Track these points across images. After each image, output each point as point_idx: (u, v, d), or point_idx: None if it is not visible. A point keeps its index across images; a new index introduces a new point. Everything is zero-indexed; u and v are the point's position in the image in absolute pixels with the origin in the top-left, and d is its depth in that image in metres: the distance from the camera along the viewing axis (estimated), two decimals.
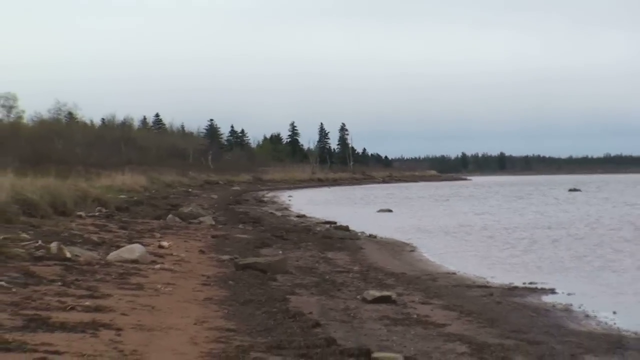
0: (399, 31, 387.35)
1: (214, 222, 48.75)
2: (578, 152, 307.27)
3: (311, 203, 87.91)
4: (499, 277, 31.09)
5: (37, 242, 28.63)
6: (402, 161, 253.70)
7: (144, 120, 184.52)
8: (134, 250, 28.41)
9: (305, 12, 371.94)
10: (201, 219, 49.79)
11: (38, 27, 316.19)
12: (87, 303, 18.94)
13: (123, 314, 18.06)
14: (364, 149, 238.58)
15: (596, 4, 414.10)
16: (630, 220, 63.00)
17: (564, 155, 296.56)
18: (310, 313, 20.13)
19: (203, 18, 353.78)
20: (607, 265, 35.82)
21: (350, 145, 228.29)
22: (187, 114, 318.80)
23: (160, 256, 29.61)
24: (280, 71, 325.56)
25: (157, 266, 26.96)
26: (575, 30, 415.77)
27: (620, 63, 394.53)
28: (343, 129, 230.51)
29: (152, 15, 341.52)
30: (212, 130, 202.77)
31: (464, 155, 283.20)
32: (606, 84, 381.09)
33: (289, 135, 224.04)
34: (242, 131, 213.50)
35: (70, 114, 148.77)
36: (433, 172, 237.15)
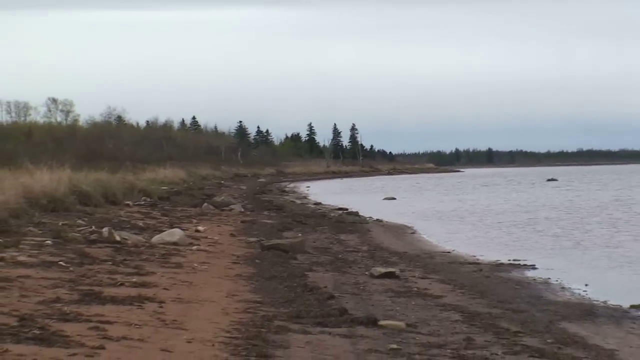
0: (402, 45, 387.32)
1: (242, 210, 48.71)
2: (555, 147, 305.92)
3: (326, 192, 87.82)
4: (487, 255, 31.08)
5: (91, 228, 28.65)
6: (404, 156, 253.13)
7: (182, 122, 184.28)
8: (174, 234, 28.42)
9: (322, 30, 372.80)
10: (232, 206, 49.73)
11: (93, 43, 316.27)
12: (133, 280, 18.96)
13: (165, 289, 18.08)
14: (371, 146, 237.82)
15: (571, 24, 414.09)
16: (599, 205, 62.96)
17: (542, 150, 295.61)
18: (326, 287, 20.12)
19: (237, 34, 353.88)
20: (580, 244, 35.82)
21: (359, 143, 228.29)
22: (219, 116, 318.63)
23: (197, 239, 29.61)
24: (300, 79, 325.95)
25: (194, 247, 26.96)
26: (552, 44, 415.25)
27: (589, 71, 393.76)
28: (353, 129, 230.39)
29: (193, 32, 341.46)
30: (241, 130, 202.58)
31: (457, 150, 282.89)
32: (578, 90, 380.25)
33: (307, 134, 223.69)
34: (267, 131, 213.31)
35: (119, 117, 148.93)
36: (430, 165, 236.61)
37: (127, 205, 42.99)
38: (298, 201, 68.65)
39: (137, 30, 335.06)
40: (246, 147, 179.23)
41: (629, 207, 60.81)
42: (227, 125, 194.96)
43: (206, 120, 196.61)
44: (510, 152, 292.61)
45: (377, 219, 48.15)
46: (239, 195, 66.75)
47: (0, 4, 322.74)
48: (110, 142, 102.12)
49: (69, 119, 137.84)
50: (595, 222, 47.72)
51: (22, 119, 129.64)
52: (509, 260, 29.37)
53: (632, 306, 20.37)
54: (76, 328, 13.14)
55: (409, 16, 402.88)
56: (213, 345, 12.91)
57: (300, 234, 34.19)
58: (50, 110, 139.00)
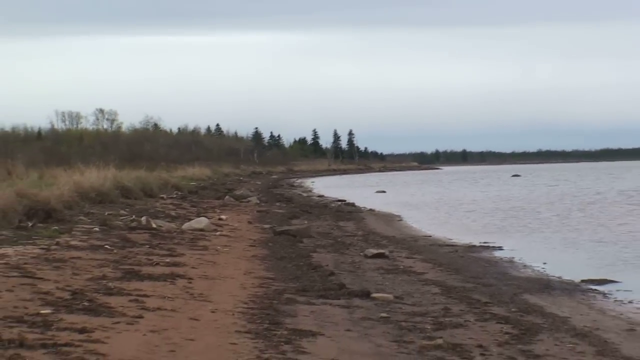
0: (391, 63, 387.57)
1: (258, 201, 48.70)
2: (518, 148, 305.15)
3: (328, 187, 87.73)
4: (461, 238, 31.03)
5: (132, 217, 28.65)
6: (393, 156, 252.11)
7: (208, 128, 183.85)
8: (201, 222, 28.43)
9: (325, 51, 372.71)
10: (249, 199, 49.71)
11: (134, 62, 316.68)
12: (167, 260, 18.97)
13: (193, 267, 18.09)
14: (366, 148, 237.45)
15: (533, 45, 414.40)
16: (556, 196, 62.93)
17: (508, 150, 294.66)
18: (327, 265, 20.13)
19: (254, 55, 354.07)
20: (540, 229, 35.79)
21: (355, 145, 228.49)
22: (239, 123, 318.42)
23: (220, 226, 29.62)
24: (306, 92, 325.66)
25: (217, 233, 26.98)
26: (517, 62, 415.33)
27: (547, 85, 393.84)
28: (350, 133, 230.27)
29: (217, 53, 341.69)
30: (257, 135, 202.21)
31: (437, 151, 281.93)
32: (538, 100, 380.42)
33: (312, 138, 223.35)
34: (279, 136, 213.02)
35: (155, 124, 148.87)
36: (415, 164, 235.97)
37: (162, 198, 43.01)
38: (304, 194, 68.60)
39: (171, 52, 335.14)
40: (261, 149, 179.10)
41: (579, 197, 60.81)
42: (245, 130, 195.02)
43: (228, 127, 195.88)
44: (481, 152, 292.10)
45: (370, 209, 48.09)
46: (255, 190, 66.71)
47: (59, 31, 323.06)
48: (148, 146, 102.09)
49: (113, 126, 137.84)
50: (552, 211, 47.69)
51: (75, 126, 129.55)
52: (480, 242, 29.34)
53: (582, 280, 20.36)
54: (119, 301, 13.16)
55: (398, 39, 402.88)
56: (233, 314, 12.93)
57: (306, 222, 34.18)
58: (98, 119, 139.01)
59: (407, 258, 23.47)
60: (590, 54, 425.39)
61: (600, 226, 36.52)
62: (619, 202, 54.22)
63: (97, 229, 24.68)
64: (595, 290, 19.17)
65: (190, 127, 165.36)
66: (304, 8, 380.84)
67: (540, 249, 27.78)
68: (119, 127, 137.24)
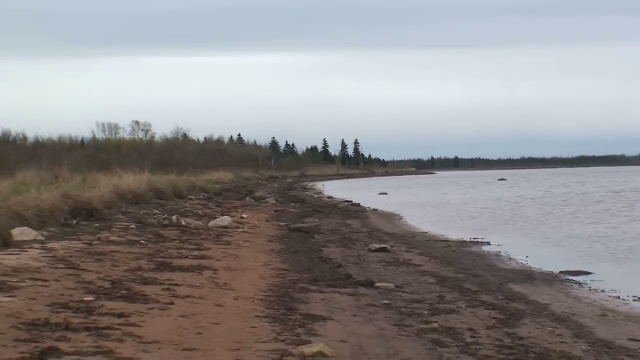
0: (392, 80, 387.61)
1: (275, 202, 48.71)
2: (504, 155, 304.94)
3: (336, 189, 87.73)
4: (454, 234, 31.04)
5: (164, 215, 28.70)
6: (393, 162, 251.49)
7: (231, 138, 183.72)
8: (225, 220, 28.44)
9: (334, 70, 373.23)
10: (267, 200, 49.74)
11: (166, 79, 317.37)
12: (195, 253, 18.98)
13: (218, 260, 18.09)
14: (369, 155, 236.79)
15: (517, 64, 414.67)
16: (537, 197, 62.89)
17: (495, 157, 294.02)
18: (336, 258, 20.12)
19: (271, 73, 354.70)
20: (523, 227, 35.81)
21: (360, 152, 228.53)
22: (258, 133, 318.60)
23: (241, 224, 29.62)
24: (317, 106, 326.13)
25: (239, 230, 26.98)
26: (504, 79, 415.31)
27: (530, 100, 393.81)
28: (356, 142, 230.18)
29: (239, 71, 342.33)
30: (274, 144, 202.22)
31: (432, 157, 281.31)
32: (522, 113, 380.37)
33: (322, 147, 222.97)
34: (293, 144, 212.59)
35: (184, 134, 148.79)
36: (413, 169, 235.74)
37: (190, 199, 43.07)
38: (315, 196, 68.64)
39: (199, 71, 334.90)
40: (277, 156, 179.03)
41: (559, 198, 60.76)
42: (263, 139, 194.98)
43: (248, 136, 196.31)
44: (472, 159, 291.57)
45: (374, 209, 48.12)
46: (272, 192, 66.74)
47: (101, 52, 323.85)
48: (178, 153, 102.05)
49: (147, 135, 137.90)
50: (533, 210, 47.69)
51: (113, 136, 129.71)
52: (470, 238, 29.35)
53: (561, 272, 20.36)
54: (153, 289, 13.17)
55: (398, 59, 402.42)
56: (253, 301, 12.92)
57: (317, 220, 34.17)
58: (134, 129, 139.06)
59: (406, 252, 23.47)
60: (567, 74, 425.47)
61: (575, 224, 36.50)
62: (592, 202, 54.16)
63: (133, 226, 24.70)
64: (572, 280, 19.17)
65: (215, 136, 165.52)
66: (313, 32, 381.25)
67: (523, 244, 27.77)
68: (152, 137, 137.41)
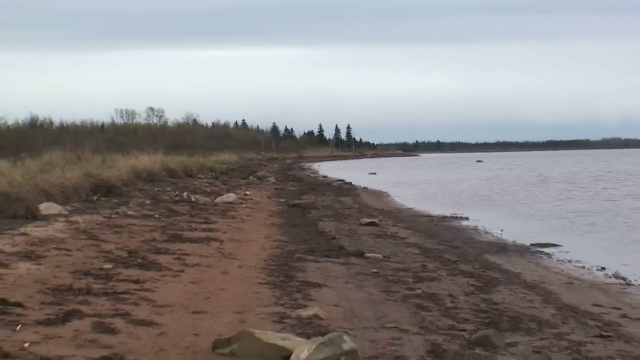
0: (381, 71, 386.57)
1: (275, 181, 48.71)
2: (482, 139, 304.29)
3: (330, 169, 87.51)
4: (436, 210, 31.01)
5: (175, 192, 28.68)
6: (382, 145, 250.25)
7: (236, 123, 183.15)
8: (230, 197, 28.43)
9: (329, 62, 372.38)
10: (268, 179, 49.73)
11: (177, 71, 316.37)
12: (203, 226, 18.98)
13: (224, 233, 18.09)
14: (360, 138, 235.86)
15: (494, 58, 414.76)
16: (510, 177, 62.90)
17: (473, 141, 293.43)
18: (330, 231, 20.12)
19: (273, 64, 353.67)
20: (501, 203, 35.82)
21: (352, 136, 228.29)
22: (261, 119, 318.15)
23: (245, 200, 29.62)
24: (314, 94, 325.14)
25: (243, 205, 26.97)
26: (481, 71, 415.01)
27: (506, 90, 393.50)
28: (348, 127, 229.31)
29: (244, 63, 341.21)
30: (274, 128, 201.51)
31: (416, 141, 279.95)
32: (498, 102, 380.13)
33: (318, 131, 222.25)
34: (292, 129, 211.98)
35: (194, 119, 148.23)
36: (399, 151, 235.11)
37: (199, 177, 43.03)
38: (312, 175, 68.53)
39: (207, 63, 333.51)
40: (278, 139, 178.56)
41: (532, 177, 60.77)
42: (265, 125, 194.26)
43: (252, 121, 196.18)
44: (452, 142, 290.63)
45: (364, 187, 48.08)
46: (273, 171, 66.69)
47: (119, 45, 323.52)
48: (188, 137, 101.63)
49: (161, 121, 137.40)
50: (507, 187, 47.72)
51: (130, 121, 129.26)
52: (451, 213, 29.32)
53: (532, 244, 20.36)
54: (165, 258, 13.17)
55: (386, 53, 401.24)
56: (255, 269, 12.92)
57: (313, 197, 34.17)
58: (149, 115, 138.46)
59: (393, 226, 23.46)
60: (539, 66, 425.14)
61: (544, 201, 36.53)
62: (560, 182, 54.19)
63: (148, 201, 24.68)
64: (542, 252, 19.17)
65: (222, 121, 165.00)
66: (310, 29, 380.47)
67: (498, 219, 27.77)
68: (166, 122, 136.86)
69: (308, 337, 7.94)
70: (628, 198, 37.38)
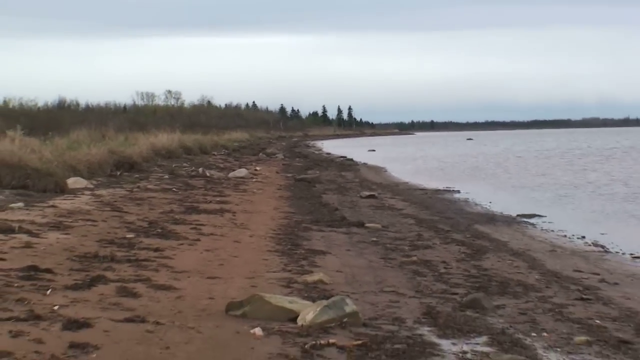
0: (380, 57, 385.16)
1: (283, 157, 48.70)
2: (472, 119, 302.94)
3: (333, 147, 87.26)
4: (430, 184, 30.96)
5: (192, 168, 28.67)
6: (380, 124, 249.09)
7: (247, 104, 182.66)
8: (242, 172, 28.43)
9: (331, 48, 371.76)
10: (276, 155, 49.72)
11: (193, 56, 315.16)
12: (217, 199, 18.97)
13: (236, 205, 18.08)
14: (361, 118, 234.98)
15: (481, 46, 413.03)
16: (497, 154, 62.78)
17: (464, 121, 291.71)
18: (333, 203, 20.10)
19: (282, 50, 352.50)
20: (490, 178, 35.80)
21: (353, 117, 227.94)
22: (270, 100, 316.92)
23: (255, 175, 29.61)
24: (319, 78, 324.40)
25: (254, 180, 26.96)
26: (471, 58, 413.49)
27: (493, 74, 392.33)
28: (350, 108, 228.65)
29: (255, 49, 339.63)
30: (282, 109, 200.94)
31: (412, 121, 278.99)
32: (487, 85, 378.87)
33: (322, 112, 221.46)
34: (298, 110, 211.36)
35: (209, 101, 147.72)
36: (396, 130, 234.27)
37: (213, 154, 43.03)
38: (316, 152, 68.40)
39: (221, 49, 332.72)
40: (285, 119, 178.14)
41: (517, 154, 60.64)
42: (274, 106, 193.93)
43: (261, 103, 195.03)
44: (445, 122, 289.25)
45: (364, 163, 48.01)
46: (281, 149, 66.60)
47: (140, 34, 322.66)
48: (203, 117, 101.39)
49: (178, 102, 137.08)
50: (495, 163, 47.64)
51: (150, 102, 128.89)
52: (444, 187, 29.29)
53: (518, 215, 20.33)
54: (183, 228, 13.17)
55: (385, 39, 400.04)
56: (265, 238, 12.92)
57: (317, 172, 34.17)
58: (167, 97, 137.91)
59: (391, 198, 23.44)
60: (524, 52, 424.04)
61: (530, 175, 36.48)
62: (543, 158, 54.10)
63: (166, 176, 24.69)
64: (527, 222, 19.14)
65: (234, 103, 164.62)
66: (315, 17, 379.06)
67: (487, 192, 27.72)
68: (182, 103, 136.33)
69: (313, 300, 7.94)
70: (607, 174, 37.31)
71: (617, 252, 14.55)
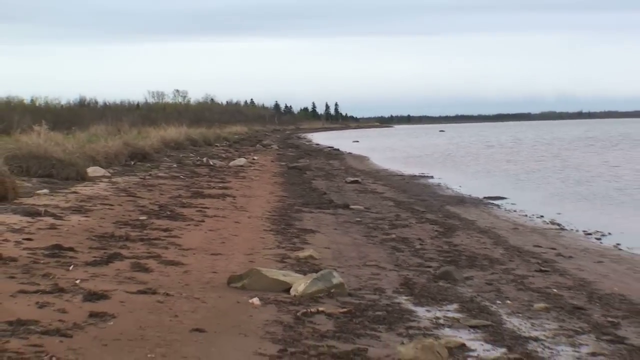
0: (363, 59, 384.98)
1: (277, 148, 48.59)
2: (443, 113, 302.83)
3: (321, 139, 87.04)
4: (407, 170, 30.96)
5: (197, 158, 28.58)
6: (363, 118, 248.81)
7: (246, 102, 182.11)
8: (241, 161, 28.38)
9: (320, 51, 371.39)
10: (272, 146, 49.61)
11: (197, 59, 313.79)
12: (220, 185, 18.93)
13: (236, 190, 18.05)
14: (346, 113, 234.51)
15: (453, 48, 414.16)
16: (466, 143, 62.79)
17: (437, 115, 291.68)
18: (321, 188, 20.08)
19: (278, 52, 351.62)
20: (460, 165, 35.81)
21: (339, 111, 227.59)
22: (266, 97, 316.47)
23: (253, 163, 29.56)
24: (311, 77, 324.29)
25: (252, 168, 26.91)
26: (443, 58, 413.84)
27: (463, 72, 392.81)
28: (336, 104, 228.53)
29: (253, 52, 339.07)
30: (277, 106, 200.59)
31: (391, 115, 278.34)
32: (457, 83, 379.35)
33: (312, 107, 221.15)
34: (290, 106, 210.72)
35: (212, 99, 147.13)
36: (377, 123, 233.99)
37: (216, 145, 42.92)
38: (306, 143, 68.26)
39: (223, 53, 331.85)
40: (279, 114, 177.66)
41: (486, 144, 60.67)
42: (269, 102, 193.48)
43: (258, 100, 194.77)
44: (420, 116, 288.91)
45: (349, 152, 47.95)
46: (275, 140, 66.39)
47: (153, 39, 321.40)
48: (207, 113, 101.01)
49: (185, 100, 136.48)
50: (469, 153, 47.63)
51: (160, 100, 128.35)
52: (419, 173, 29.29)
53: (485, 197, 20.34)
54: (189, 211, 13.14)
55: (366, 43, 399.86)
56: (262, 219, 12.91)
57: (308, 160, 34.12)
58: (175, 96, 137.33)
59: (373, 183, 23.43)
60: (490, 54, 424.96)
61: (495, 162, 36.53)
62: (508, 147, 54.15)
63: (175, 165, 24.62)
64: (492, 203, 19.16)
65: (234, 100, 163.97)
66: (305, 24, 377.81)
67: (457, 177, 27.74)
68: (189, 101, 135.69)
69: (304, 273, 7.94)
70: (563, 160, 37.40)
71: (571, 230, 14.59)
